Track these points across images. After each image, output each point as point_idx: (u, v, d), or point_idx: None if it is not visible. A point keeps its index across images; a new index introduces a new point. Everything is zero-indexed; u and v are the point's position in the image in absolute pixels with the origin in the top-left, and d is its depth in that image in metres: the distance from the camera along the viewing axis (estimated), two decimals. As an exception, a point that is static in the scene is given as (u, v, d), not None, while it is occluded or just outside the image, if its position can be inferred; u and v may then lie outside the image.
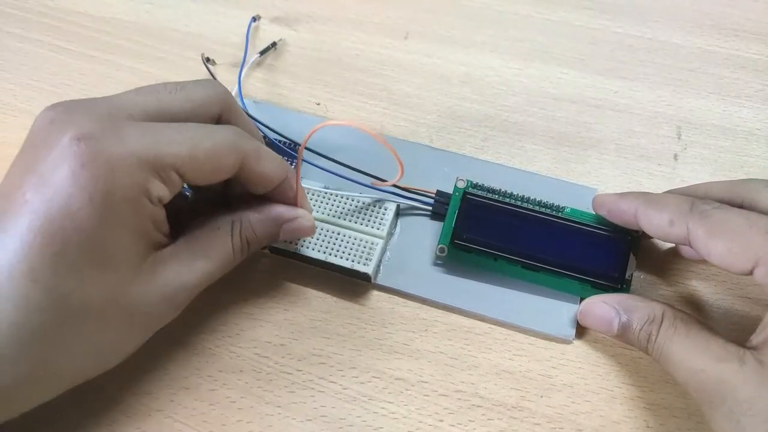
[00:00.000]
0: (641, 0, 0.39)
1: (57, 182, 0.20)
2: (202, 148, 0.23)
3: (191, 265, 0.24)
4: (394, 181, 0.28)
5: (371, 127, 0.35)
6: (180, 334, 0.29)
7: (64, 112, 0.22)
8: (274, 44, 0.37)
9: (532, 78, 0.36)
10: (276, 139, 0.32)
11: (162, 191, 0.23)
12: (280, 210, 0.27)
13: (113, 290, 0.22)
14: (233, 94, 0.34)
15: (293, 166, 0.31)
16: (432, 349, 0.28)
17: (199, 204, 0.28)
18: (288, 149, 0.32)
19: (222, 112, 0.26)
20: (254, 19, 0.38)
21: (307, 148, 0.32)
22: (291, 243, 0.29)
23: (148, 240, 0.23)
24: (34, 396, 0.22)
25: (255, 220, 0.26)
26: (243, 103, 0.33)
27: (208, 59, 0.36)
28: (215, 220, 0.26)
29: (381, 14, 0.39)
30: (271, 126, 0.32)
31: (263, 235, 0.27)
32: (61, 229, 0.20)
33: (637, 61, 0.37)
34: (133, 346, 0.24)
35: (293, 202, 0.27)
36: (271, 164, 0.26)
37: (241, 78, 0.35)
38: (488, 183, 0.30)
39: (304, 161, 0.32)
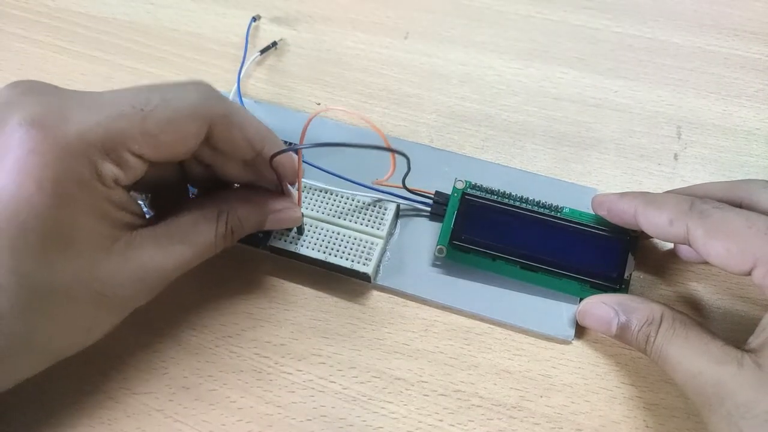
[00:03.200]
0: (641, 0, 0.39)
1: (6, 168, 0.20)
2: (154, 119, 0.22)
3: (169, 250, 0.24)
4: (384, 179, 0.28)
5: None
6: (180, 334, 0.29)
7: (21, 93, 0.22)
8: (274, 43, 0.37)
9: (532, 78, 0.36)
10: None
11: (115, 173, 0.22)
12: (268, 200, 0.27)
13: (80, 272, 0.22)
14: (232, 94, 0.34)
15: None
16: (432, 349, 0.28)
17: (191, 184, 0.28)
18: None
19: (213, 121, 0.24)
20: (254, 18, 0.38)
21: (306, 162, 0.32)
22: (291, 243, 0.29)
23: (113, 221, 0.23)
24: (8, 374, 0.22)
25: (242, 209, 0.26)
26: (242, 103, 0.33)
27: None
28: (201, 206, 0.26)
29: (381, 14, 0.39)
30: (271, 126, 0.32)
31: (249, 224, 0.27)
32: (15, 214, 0.20)
33: (637, 61, 0.37)
34: (108, 326, 0.24)
35: (282, 188, 0.27)
36: (243, 132, 0.24)
37: (241, 78, 0.35)
38: (488, 183, 0.30)
39: (304, 162, 0.32)
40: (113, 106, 0.22)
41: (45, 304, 0.21)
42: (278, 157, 0.25)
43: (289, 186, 0.28)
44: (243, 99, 0.34)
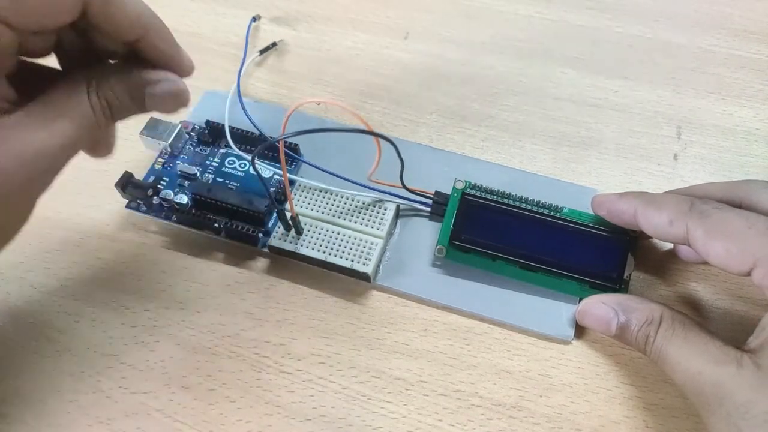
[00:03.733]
0: (641, 0, 0.39)
1: None
2: None
3: (49, 128, 0.22)
4: (373, 169, 0.27)
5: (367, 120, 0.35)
6: (179, 333, 0.29)
7: None
8: (274, 44, 0.38)
9: (532, 78, 0.36)
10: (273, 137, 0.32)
11: None
12: (143, 70, 0.24)
13: None
14: (232, 93, 0.34)
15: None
16: (431, 348, 0.28)
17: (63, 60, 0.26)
18: (288, 149, 0.32)
19: None
20: (254, 18, 0.38)
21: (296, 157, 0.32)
22: (291, 243, 0.29)
23: None
24: None
25: (114, 79, 0.24)
26: (242, 103, 0.33)
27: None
28: (71, 79, 0.23)
29: (381, 14, 0.39)
30: (270, 125, 0.32)
31: (124, 97, 0.24)
32: None
33: (637, 60, 0.37)
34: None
35: (170, 65, 0.24)
36: (124, 9, 0.23)
37: (241, 77, 0.35)
38: (488, 183, 0.30)
39: (304, 162, 0.32)
40: None
41: None
42: (155, 44, 0.24)
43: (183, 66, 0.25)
44: (243, 98, 0.34)
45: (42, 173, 0.23)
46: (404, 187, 0.29)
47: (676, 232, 0.25)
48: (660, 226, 0.25)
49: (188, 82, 0.37)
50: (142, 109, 0.25)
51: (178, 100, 0.25)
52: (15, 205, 0.23)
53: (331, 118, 0.35)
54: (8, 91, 0.22)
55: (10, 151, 0.21)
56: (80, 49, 0.25)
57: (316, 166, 0.31)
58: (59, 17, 0.22)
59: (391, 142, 0.24)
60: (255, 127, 0.32)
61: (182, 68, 0.25)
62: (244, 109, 0.33)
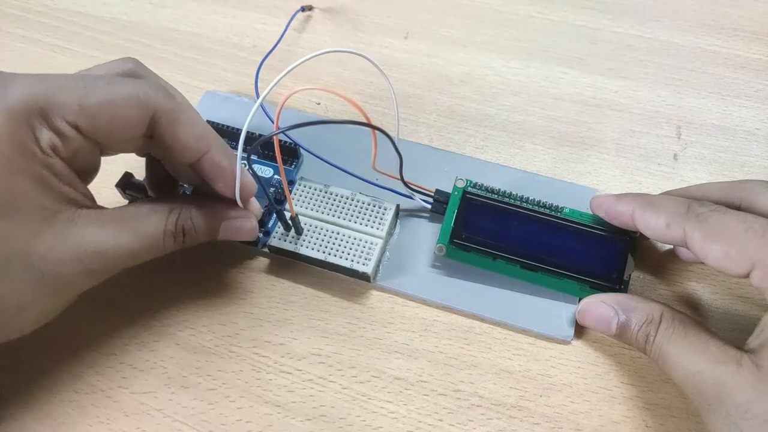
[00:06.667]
0: (641, 0, 0.39)
1: None
2: (95, 97, 0.22)
3: (114, 235, 0.23)
4: (372, 161, 0.27)
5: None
6: (179, 333, 0.29)
7: None
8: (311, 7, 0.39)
9: (532, 78, 0.36)
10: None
11: (53, 140, 0.22)
12: (222, 207, 0.27)
13: (18, 240, 0.21)
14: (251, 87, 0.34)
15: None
16: (431, 348, 0.28)
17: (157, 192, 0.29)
18: (293, 145, 0.32)
19: (156, 112, 0.24)
20: (302, 9, 0.39)
21: (297, 144, 0.32)
22: (291, 243, 0.29)
23: (55, 193, 0.22)
24: None
25: (195, 210, 0.26)
26: (259, 99, 0.33)
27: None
28: (154, 202, 0.26)
29: (381, 14, 0.39)
30: (270, 124, 0.32)
31: (201, 227, 0.26)
32: None
33: (637, 61, 0.37)
34: (43, 308, 0.23)
35: (232, 181, 0.26)
36: (188, 130, 0.24)
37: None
38: (488, 182, 0.30)
39: (305, 150, 0.32)
40: (59, 80, 0.23)
41: None
42: (217, 160, 0.25)
43: (253, 203, 0.28)
44: (243, 99, 0.34)
45: (92, 272, 0.24)
46: (404, 182, 0.29)
47: (674, 235, 0.25)
48: (657, 229, 0.25)
49: (187, 82, 0.37)
50: (213, 237, 0.27)
51: (249, 234, 0.27)
52: (50, 293, 0.23)
53: (331, 117, 0.35)
54: (81, 185, 0.24)
55: (66, 244, 0.22)
56: (160, 180, 0.28)
57: (319, 157, 0.31)
58: (127, 132, 0.24)
59: (387, 135, 0.24)
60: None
61: (244, 185, 0.26)
62: (262, 107, 0.32)
